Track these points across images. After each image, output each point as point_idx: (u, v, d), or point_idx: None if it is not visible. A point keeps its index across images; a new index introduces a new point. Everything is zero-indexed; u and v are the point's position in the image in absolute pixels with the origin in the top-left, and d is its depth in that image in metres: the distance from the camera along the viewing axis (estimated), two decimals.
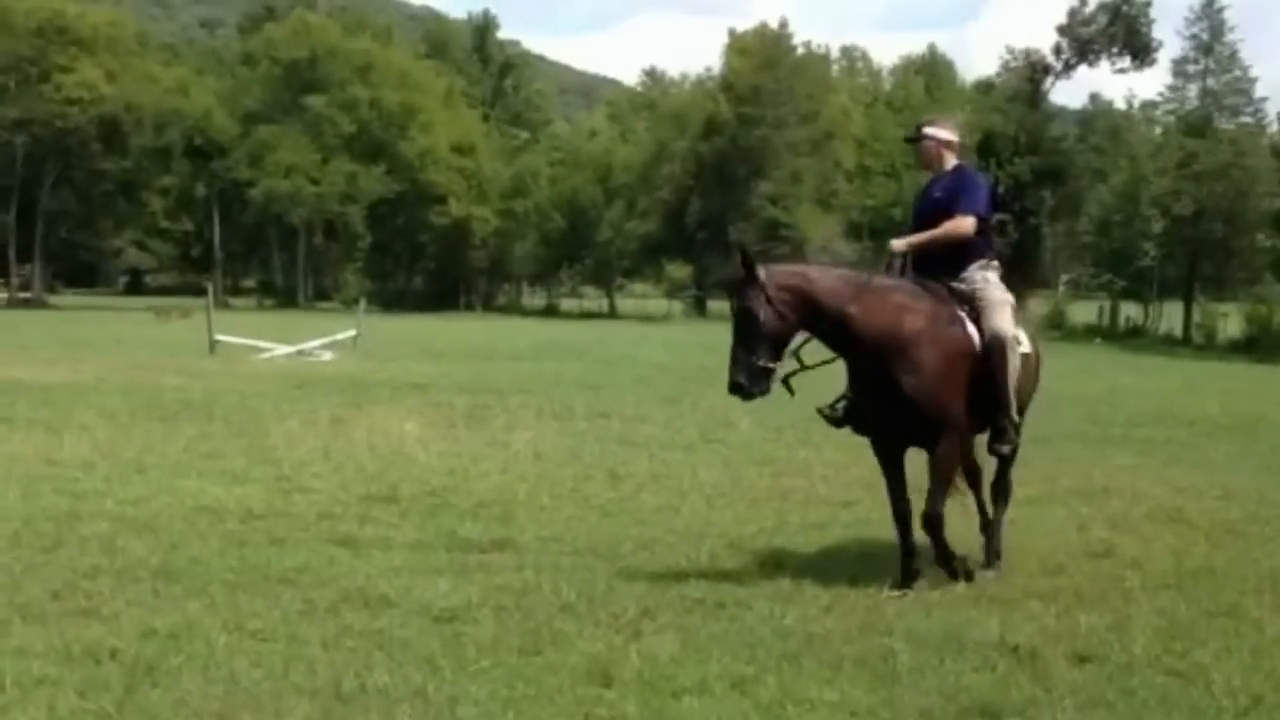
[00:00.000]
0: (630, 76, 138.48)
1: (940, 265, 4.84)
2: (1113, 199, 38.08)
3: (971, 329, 4.72)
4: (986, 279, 4.83)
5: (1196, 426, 11.14)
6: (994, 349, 4.68)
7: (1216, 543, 5.68)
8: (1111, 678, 3.65)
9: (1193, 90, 36.96)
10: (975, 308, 4.76)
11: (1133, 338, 33.95)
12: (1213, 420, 11.70)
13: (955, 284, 4.82)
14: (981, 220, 4.84)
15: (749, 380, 4.51)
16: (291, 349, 18.74)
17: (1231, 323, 32.12)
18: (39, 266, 49.65)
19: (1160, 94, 38.98)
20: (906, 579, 4.69)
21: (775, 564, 5.04)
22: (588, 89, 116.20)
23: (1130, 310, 36.75)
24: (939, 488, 4.70)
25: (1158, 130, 40.02)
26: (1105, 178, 41.32)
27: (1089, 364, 21.24)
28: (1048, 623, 4.22)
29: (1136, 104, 44.68)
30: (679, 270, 50.60)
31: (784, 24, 51.61)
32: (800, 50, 53.55)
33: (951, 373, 4.61)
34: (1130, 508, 6.57)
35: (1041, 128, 40.03)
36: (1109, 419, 11.58)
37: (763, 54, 49.45)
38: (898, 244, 4.90)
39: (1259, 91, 37.43)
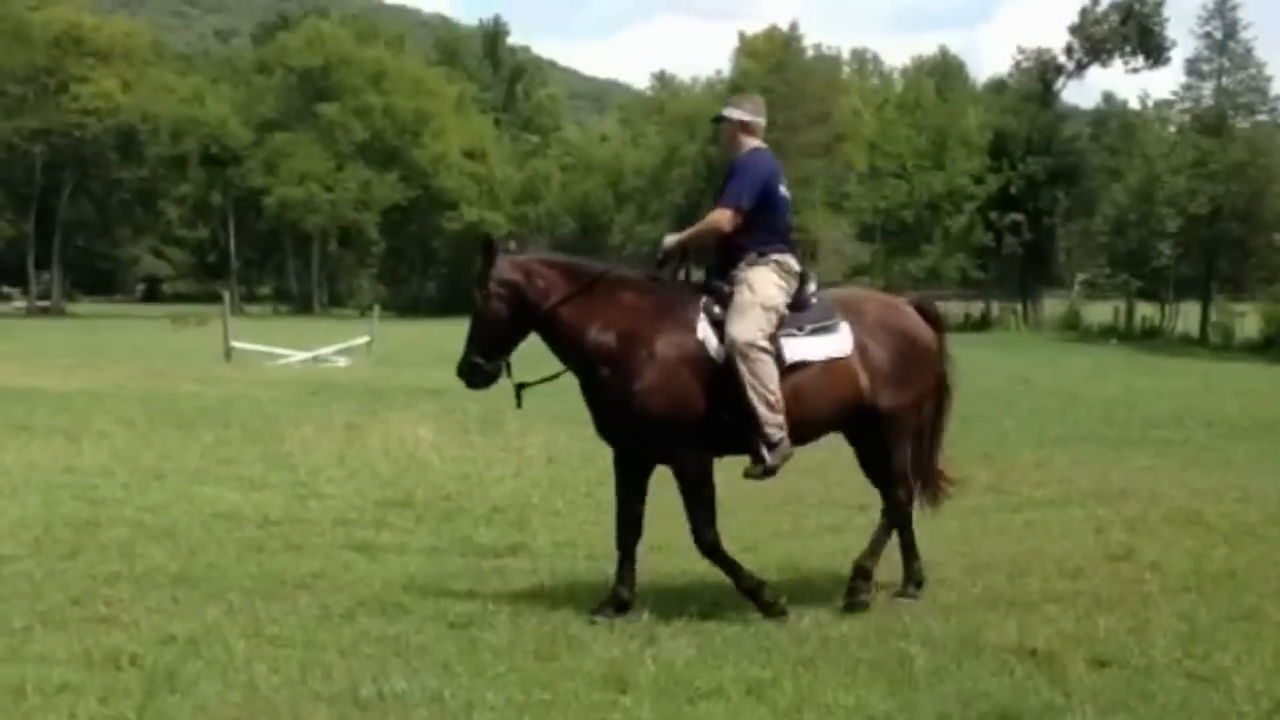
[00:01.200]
0: (640, 80, 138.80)
1: (721, 261, 4.44)
2: (1127, 198, 37.75)
3: (705, 333, 4.27)
4: (747, 278, 4.32)
5: (1215, 428, 11.02)
6: (729, 355, 4.20)
7: (1236, 545, 5.62)
8: (1131, 682, 3.63)
9: (1207, 89, 36.66)
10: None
11: (1149, 338, 33.61)
12: (1231, 421, 11.57)
13: (720, 282, 4.38)
14: (741, 212, 4.35)
15: (465, 372, 4.39)
16: (306, 355, 18.85)
17: (1249, 323, 31.76)
18: (57, 275, 50.17)
19: (1174, 93, 38.66)
20: (616, 607, 4.24)
21: (790, 568, 5.04)
22: (598, 94, 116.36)
23: (1146, 310, 36.40)
24: (694, 509, 4.30)
25: (1172, 129, 39.67)
26: (1119, 177, 41.00)
27: (1105, 365, 21.08)
28: (1066, 626, 4.19)
29: (1150, 103, 44.37)
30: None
31: (794, 27, 51.71)
32: (810, 53, 53.55)
33: (668, 380, 4.18)
34: (1149, 510, 6.51)
35: (1054, 127, 39.81)
36: (1126, 420, 11.48)
37: (773, 57, 49.43)
38: (669, 240, 4.54)
39: (1274, 89, 37.13)
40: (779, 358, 4.29)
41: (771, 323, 4.30)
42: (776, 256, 4.40)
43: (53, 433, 9.07)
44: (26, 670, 3.59)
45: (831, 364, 4.39)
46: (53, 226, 48.55)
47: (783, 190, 4.53)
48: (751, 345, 4.21)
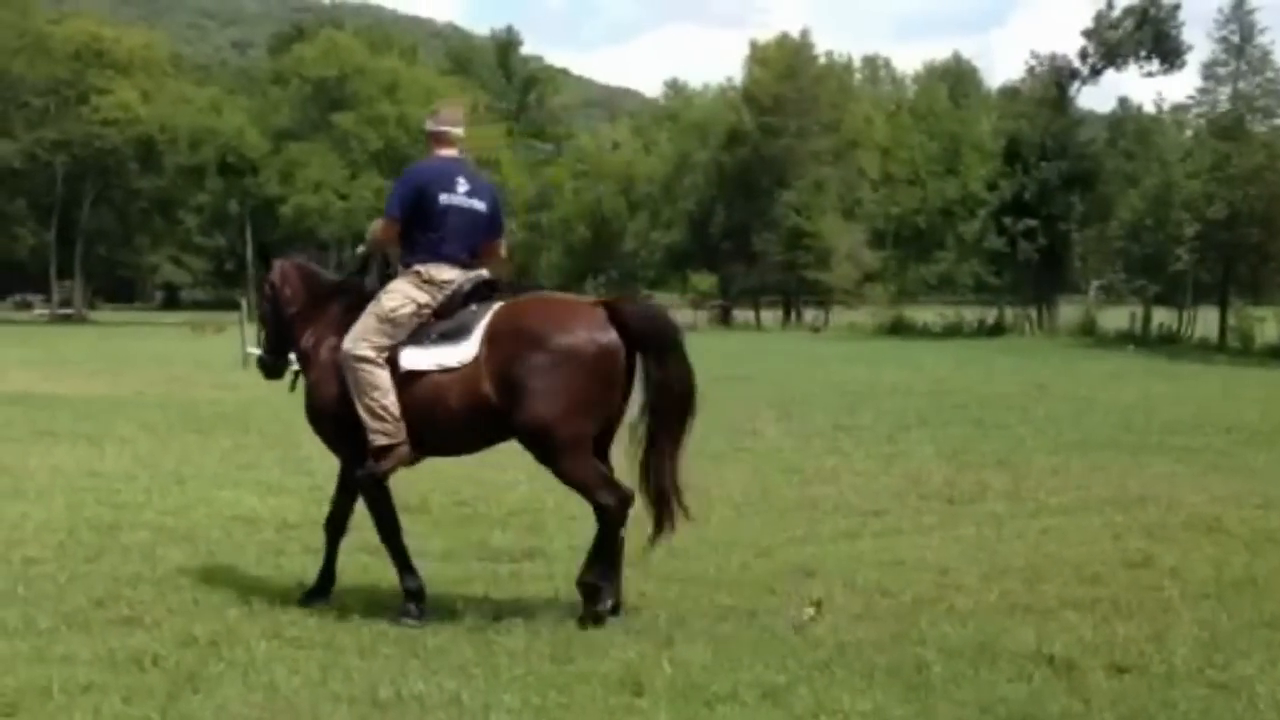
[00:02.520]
0: (652, 88, 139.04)
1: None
2: (1143, 203, 37.46)
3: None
4: (386, 288, 4.37)
5: (1234, 433, 10.90)
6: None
7: (1257, 552, 5.57)
8: (1151, 689, 3.60)
9: (1224, 93, 36.35)
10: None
11: (1166, 344, 33.30)
12: (1251, 427, 11.45)
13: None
14: (393, 220, 4.40)
15: (259, 365, 5.04)
16: None
17: (1268, 328, 31.38)
18: (79, 283, 50.76)
19: (1190, 97, 38.35)
20: (317, 594, 4.51)
21: (805, 572, 5.03)
22: (610, 101, 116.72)
23: (1163, 316, 36.07)
24: (367, 507, 4.50)
25: (1188, 133, 39.36)
26: (1135, 182, 40.73)
27: (1123, 370, 20.91)
28: (1085, 633, 4.16)
29: (1166, 107, 43.99)
30: (704, 280, 50.68)
31: (805, 34, 51.58)
32: (822, 60, 53.45)
33: (324, 381, 4.43)
34: (1168, 516, 6.46)
35: (1069, 132, 39.57)
36: (1144, 426, 11.38)
37: (784, 64, 49.39)
38: (359, 250, 4.73)
39: None
40: (396, 366, 4.28)
41: (385, 332, 4.29)
42: (418, 267, 4.37)
43: (76, 438, 9.19)
44: (52, 671, 3.64)
45: (446, 373, 4.25)
46: (74, 235, 49.12)
47: (447, 199, 4.38)
48: (349, 354, 4.31)
